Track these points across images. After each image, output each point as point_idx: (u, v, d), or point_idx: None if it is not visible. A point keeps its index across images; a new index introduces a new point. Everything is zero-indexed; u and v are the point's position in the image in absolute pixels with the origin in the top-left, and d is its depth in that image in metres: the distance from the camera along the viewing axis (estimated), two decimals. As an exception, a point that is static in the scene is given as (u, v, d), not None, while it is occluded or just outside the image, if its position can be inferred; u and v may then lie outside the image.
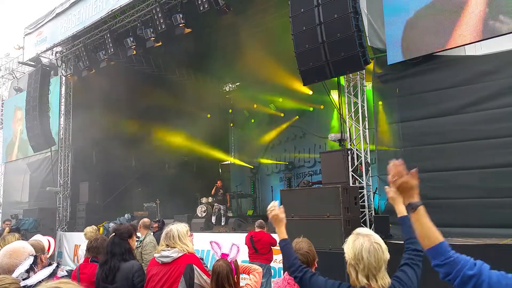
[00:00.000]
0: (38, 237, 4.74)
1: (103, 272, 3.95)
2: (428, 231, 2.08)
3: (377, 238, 2.38)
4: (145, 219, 7.47)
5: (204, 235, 11.21)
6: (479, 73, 7.77)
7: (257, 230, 8.56)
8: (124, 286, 3.89)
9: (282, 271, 6.42)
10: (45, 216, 15.39)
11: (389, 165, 2.28)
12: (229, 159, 22.75)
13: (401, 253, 2.55)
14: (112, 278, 3.91)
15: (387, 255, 2.34)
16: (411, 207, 2.17)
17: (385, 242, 2.41)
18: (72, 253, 14.46)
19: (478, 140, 7.61)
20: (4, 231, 9.62)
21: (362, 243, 2.34)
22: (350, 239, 2.41)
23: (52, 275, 2.46)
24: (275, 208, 3.01)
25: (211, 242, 3.59)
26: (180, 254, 3.74)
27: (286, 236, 2.96)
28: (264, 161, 20.73)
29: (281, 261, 8.74)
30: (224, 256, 3.44)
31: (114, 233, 4.14)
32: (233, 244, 3.50)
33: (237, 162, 22.22)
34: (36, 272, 2.47)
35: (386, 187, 2.52)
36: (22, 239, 4.17)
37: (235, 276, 3.35)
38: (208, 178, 18.50)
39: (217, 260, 3.42)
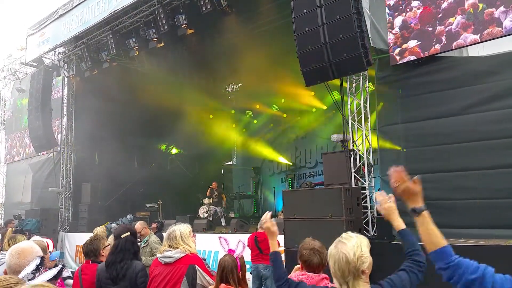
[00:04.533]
0: (37, 238, 4.74)
1: (114, 270, 3.91)
2: (432, 235, 2.09)
3: (349, 247, 2.22)
4: (141, 221, 7.58)
5: (206, 235, 11.22)
6: (481, 74, 7.75)
7: (260, 230, 8.54)
8: (128, 286, 3.90)
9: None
10: (47, 217, 15.40)
11: (390, 171, 2.24)
12: (232, 160, 22.75)
13: (403, 253, 2.53)
14: (122, 277, 3.89)
15: (356, 266, 2.18)
16: (415, 212, 2.16)
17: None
18: (74, 254, 14.47)
19: (481, 141, 7.58)
20: (7, 231, 9.63)
21: (331, 249, 2.29)
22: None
23: (58, 276, 2.45)
24: (266, 220, 3.01)
25: (219, 238, 3.65)
26: (182, 255, 3.75)
27: (277, 249, 2.95)
28: (266, 161, 20.69)
29: (285, 262, 8.73)
30: (230, 251, 3.49)
31: (129, 232, 4.16)
32: (239, 241, 3.55)
33: (239, 166, 22.20)
34: (42, 273, 2.45)
35: (377, 205, 2.49)
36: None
37: (240, 272, 3.39)
38: (210, 179, 18.48)
39: (224, 255, 3.47)
